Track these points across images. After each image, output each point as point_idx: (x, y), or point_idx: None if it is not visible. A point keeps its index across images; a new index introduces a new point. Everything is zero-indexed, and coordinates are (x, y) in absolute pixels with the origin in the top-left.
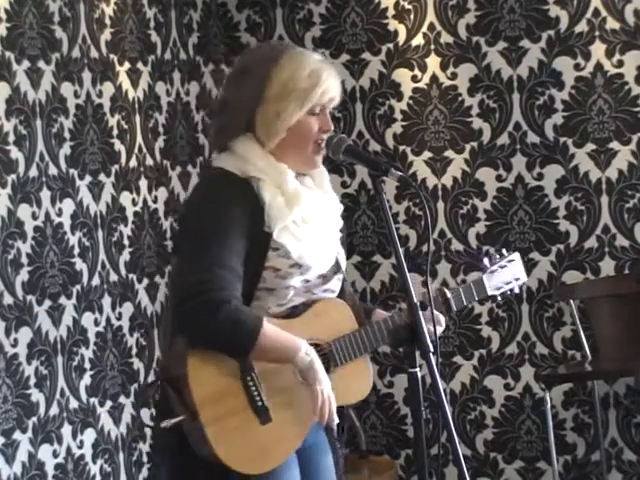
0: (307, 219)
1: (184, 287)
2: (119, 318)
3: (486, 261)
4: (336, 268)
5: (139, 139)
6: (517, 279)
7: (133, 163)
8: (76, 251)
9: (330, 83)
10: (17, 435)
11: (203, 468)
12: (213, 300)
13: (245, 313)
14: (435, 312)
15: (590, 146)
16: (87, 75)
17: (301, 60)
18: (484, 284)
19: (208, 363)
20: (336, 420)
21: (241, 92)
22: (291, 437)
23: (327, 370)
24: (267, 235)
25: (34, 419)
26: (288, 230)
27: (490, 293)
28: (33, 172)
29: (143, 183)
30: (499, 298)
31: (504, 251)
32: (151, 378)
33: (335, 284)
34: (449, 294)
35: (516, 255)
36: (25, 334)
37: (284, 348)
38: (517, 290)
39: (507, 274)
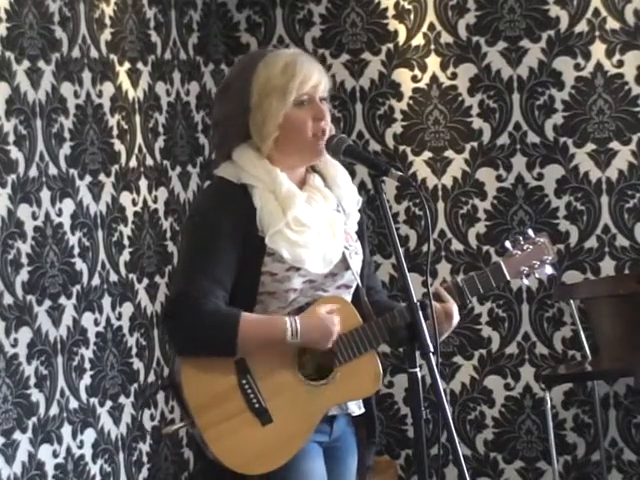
0: (303, 221)
1: (167, 301)
2: (119, 318)
3: (508, 244)
4: (346, 264)
5: (139, 139)
6: (544, 260)
7: (133, 163)
8: (76, 251)
9: (307, 71)
10: (17, 435)
11: (218, 469)
12: (188, 311)
13: (220, 311)
14: (442, 306)
15: (590, 146)
16: (87, 75)
17: (274, 60)
18: (502, 269)
19: (202, 370)
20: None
21: (228, 107)
22: (296, 436)
23: (331, 369)
24: (261, 240)
25: (34, 419)
26: (281, 234)
27: (510, 278)
28: (33, 172)
29: (143, 183)
30: (526, 282)
31: (530, 232)
32: (151, 378)
33: (349, 279)
34: (461, 282)
35: (542, 236)
36: (25, 334)
37: (269, 334)
38: (550, 271)
39: (530, 257)
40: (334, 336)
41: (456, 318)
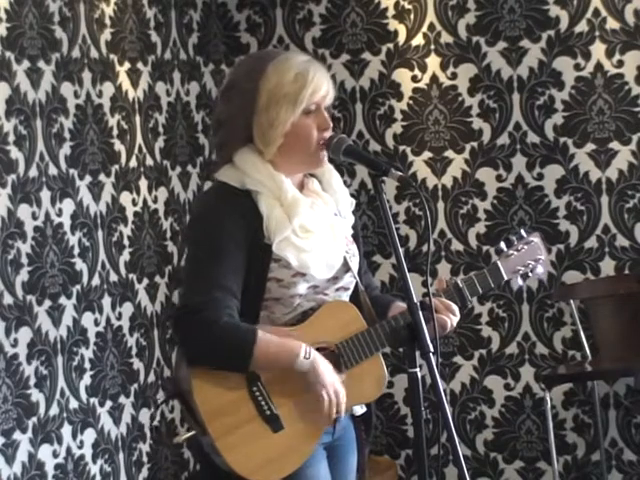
0: (308, 227)
1: (178, 309)
2: (119, 318)
3: (503, 245)
4: (346, 267)
5: (139, 139)
6: (537, 259)
7: (133, 163)
8: (76, 251)
9: (318, 81)
10: (17, 435)
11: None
12: (203, 321)
13: (237, 329)
14: (447, 302)
15: (590, 146)
16: (87, 75)
17: (285, 65)
18: (499, 269)
19: (212, 378)
20: (343, 414)
21: (232, 107)
22: (305, 442)
23: (338, 372)
24: (268, 247)
25: (34, 419)
26: (288, 241)
27: (507, 277)
28: (33, 172)
29: (143, 183)
30: (520, 283)
31: (523, 232)
32: (151, 378)
33: (348, 282)
34: (461, 284)
35: (535, 235)
36: (25, 334)
37: (283, 355)
38: (541, 270)
39: (525, 256)
40: (327, 395)
41: (457, 316)
